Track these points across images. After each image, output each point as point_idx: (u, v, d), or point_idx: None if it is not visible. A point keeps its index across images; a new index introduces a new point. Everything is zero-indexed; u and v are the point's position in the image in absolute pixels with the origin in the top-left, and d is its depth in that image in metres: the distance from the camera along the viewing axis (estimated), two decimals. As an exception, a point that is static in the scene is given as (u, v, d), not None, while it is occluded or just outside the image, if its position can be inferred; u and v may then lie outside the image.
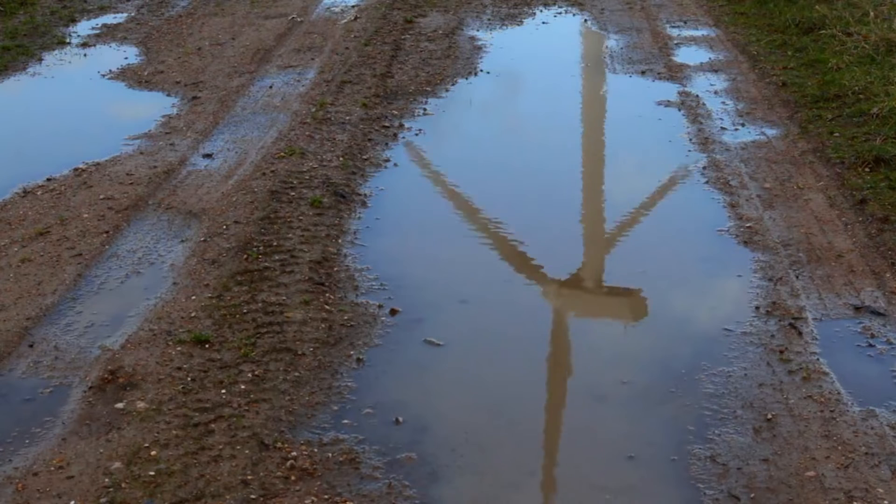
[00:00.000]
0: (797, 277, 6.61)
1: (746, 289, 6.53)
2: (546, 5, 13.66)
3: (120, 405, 5.38)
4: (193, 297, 6.39)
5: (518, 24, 12.85)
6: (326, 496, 4.77)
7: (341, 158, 8.52)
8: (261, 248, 6.97)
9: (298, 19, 12.94)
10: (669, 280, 6.78)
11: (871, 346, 5.92)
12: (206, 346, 5.88)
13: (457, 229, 7.54)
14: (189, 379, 5.59)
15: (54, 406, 5.42)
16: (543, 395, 5.66)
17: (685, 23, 12.69)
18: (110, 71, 10.93)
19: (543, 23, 12.95)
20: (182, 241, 7.16)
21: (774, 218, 7.42)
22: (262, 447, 5.07)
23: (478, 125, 9.69)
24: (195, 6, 13.70)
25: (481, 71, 10.95)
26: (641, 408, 5.46)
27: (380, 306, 6.35)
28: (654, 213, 7.82)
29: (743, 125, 9.23)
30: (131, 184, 8.05)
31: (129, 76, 10.76)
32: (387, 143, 8.96)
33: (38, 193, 7.89)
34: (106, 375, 5.62)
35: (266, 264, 6.76)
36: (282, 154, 8.58)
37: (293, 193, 7.83)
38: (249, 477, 4.87)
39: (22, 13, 13.02)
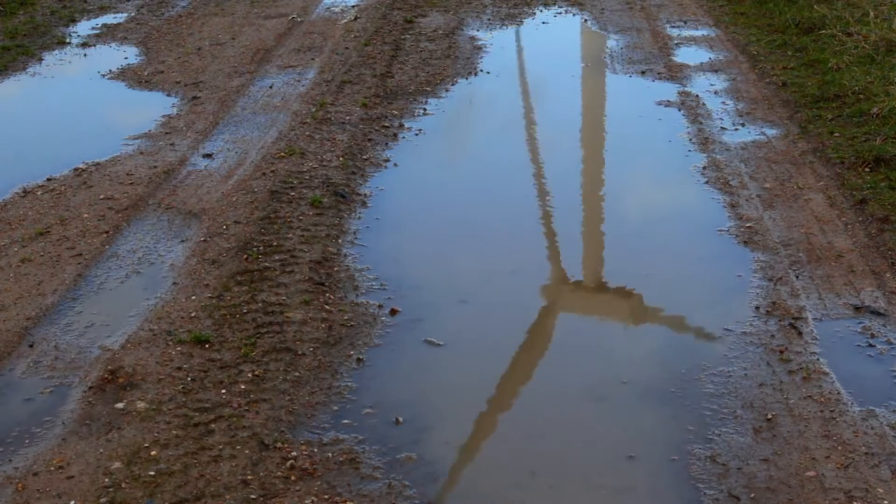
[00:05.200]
0: (797, 277, 6.61)
1: (746, 289, 6.53)
2: (546, 5, 13.66)
3: (120, 405, 5.38)
4: (193, 297, 6.40)
5: (518, 24, 12.85)
6: (326, 496, 4.77)
7: (341, 158, 8.52)
8: (261, 248, 6.97)
9: (298, 19, 12.94)
10: (669, 280, 6.77)
11: (871, 346, 5.92)
12: (206, 346, 5.88)
13: (457, 229, 7.54)
14: (189, 379, 5.59)
15: (54, 406, 5.42)
16: (543, 394, 5.66)
17: (685, 23, 12.70)
18: (110, 71, 10.94)
19: (543, 23, 12.96)
20: (182, 241, 7.16)
21: (774, 218, 7.42)
22: (262, 447, 5.07)
23: (478, 125, 9.69)
24: (195, 6, 13.70)
25: (481, 71, 10.95)
26: (641, 408, 5.46)
27: (380, 306, 6.35)
28: (654, 213, 7.81)
29: (743, 125, 9.23)
30: (131, 184, 8.05)
31: (129, 76, 10.76)
32: (387, 143, 8.96)
33: (38, 193, 7.89)
34: (106, 375, 5.63)
35: (266, 264, 6.77)
36: (282, 154, 8.58)
37: (293, 193, 7.83)
38: (249, 477, 4.87)
39: (22, 13, 13.02)
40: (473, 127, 9.65)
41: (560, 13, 13.34)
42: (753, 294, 6.46)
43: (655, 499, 4.84)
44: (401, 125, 9.37)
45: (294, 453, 5.03)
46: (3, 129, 9.55)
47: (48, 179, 8.13)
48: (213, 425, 5.22)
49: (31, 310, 6.29)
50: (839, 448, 5.07)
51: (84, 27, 12.73)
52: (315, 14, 13.24)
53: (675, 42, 11.89)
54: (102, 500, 4.73)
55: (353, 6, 13.60)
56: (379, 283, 6.62)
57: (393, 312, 6.28)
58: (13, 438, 5.18)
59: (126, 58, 11.41)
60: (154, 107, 9.83)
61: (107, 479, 4.85)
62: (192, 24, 12.79)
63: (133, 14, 13.32)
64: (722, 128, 9.17)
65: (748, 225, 7.32)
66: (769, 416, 5.31)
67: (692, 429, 5.24)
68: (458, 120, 9.76)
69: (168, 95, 10.16)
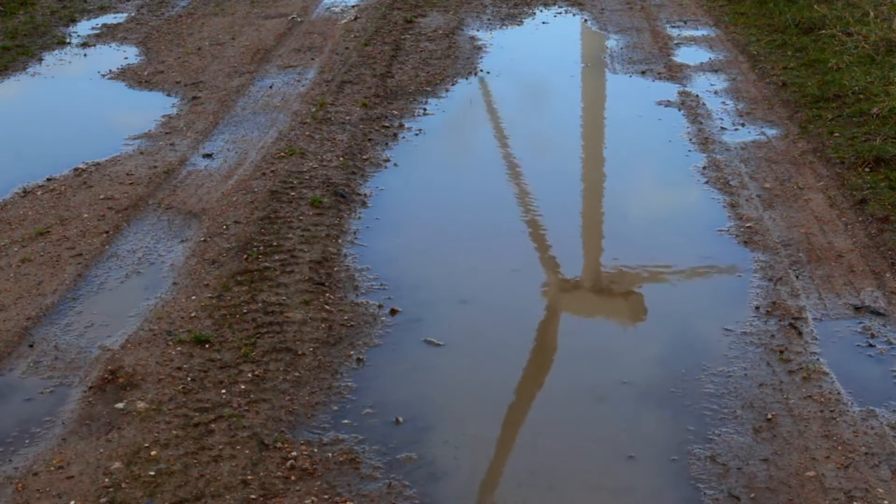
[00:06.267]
0: (797, 277, 6.61)
1: (746, 289, 6.53)
2: (546, 5, 13.66)
3: (120, 405, 5.38)
4: (193, 297, 6.40)
5: (518, 24, 12.85)
6: (326, 496, 4.77)
7: (341, 158, 8.52)
8: (261, 248, 6.97)
9: (298, 19, 12.94)
10: (669, 280, 6.78)
11: (871, 346, 5.92)
12: (206, 346, 5.88)
13: (456, 229, 7.54)
14: (189, 379, 5.59)
15: (54, 406, 5.42)
16: (543, 394, 5.66)
17: (685, 23, 12.69)
18: (110, 71, 10.94)
19: (543, 23, 12.95)
20: (182, 241, 7.17)
21: (774, 218, 7.42)
22: (262, 447, 5.07)
23: (478, 125, 9.69)
24: (195, 6, 13.70)
25: (481, 71, 10.95)
26: (641, 408, 5.46)
27: (380, 306, 6.35)
28: (654, 212, 7.82)
29: (743, 125, 9.23)
30: (131, 184, 8.05)
31: (129, 76, 10.76)
32: (387, 143, 8.96)
33: (38, 193, 7.89)
34: (106, 375, 5.63)
35: (266, 264, 6.77)
36: (282, 154, 8.58)
37: (293, 193, 7.83)
38: (249, 477, 4.87)
39: (22, 13, 13.02)
40: (473, 127, 9.65)
41: (560, 13, 13.34)
42: (753, 294, 6.46)
43: (655, 499, 4.84)
44: (401, 125, 9.37)
45: (294, 453, 5.03)
46: (3, 129, 9.56)
47: (48, 179, 8.13)
48: (213, 425, 5.22)
49: (31, 310, 6.29)
50: (839, 448, 5.07)
51: (84, 27, 12.73)
52: (315, 14, 13.24)
53: (675, 42, 11.89)
54: (102, 500, 4.73)
55: (353, 6, 13.60)
56: (379, 283, 6.62)
57: (393, 312, 6.28)
58: (13, 438, 5.18)
59: (126, 58, 11.41)
60: (154, 107, 9.83)
61: (107, 479, 4.85)
62: (192, 24, 12.79)
63: (133, 14, 13.32)
64: (722, 128, 9.17)
65: (748, 225, 7.32)
66: (769, 416, 5.31)
67: (692, 429, 5.24)
68: (458, 120, 9.76)
69: (168, 95, 10.16)
